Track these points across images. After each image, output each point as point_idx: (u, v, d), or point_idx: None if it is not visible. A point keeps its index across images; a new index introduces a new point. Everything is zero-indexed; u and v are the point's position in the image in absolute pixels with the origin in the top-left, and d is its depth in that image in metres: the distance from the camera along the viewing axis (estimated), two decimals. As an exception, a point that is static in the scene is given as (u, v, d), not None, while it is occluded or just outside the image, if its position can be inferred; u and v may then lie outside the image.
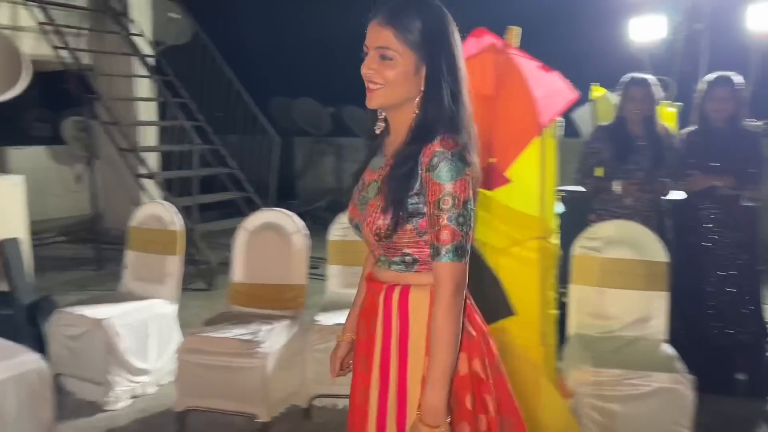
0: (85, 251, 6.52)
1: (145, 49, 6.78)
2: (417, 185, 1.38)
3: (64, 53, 5.99)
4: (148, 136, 6.90)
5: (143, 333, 3.29)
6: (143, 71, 6.68)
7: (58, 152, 7.99)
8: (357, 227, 1.49)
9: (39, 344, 3.32)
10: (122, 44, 6.58)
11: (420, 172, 1.37)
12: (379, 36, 1.38)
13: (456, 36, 1.43)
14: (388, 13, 1.38)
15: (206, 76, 7.17)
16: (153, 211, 3.65)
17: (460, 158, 1.35)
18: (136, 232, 3.65)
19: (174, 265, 3.49)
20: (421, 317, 1.42)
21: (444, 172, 1.34)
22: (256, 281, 3.33)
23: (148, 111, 6.92)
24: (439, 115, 1.38)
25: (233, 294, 3.33)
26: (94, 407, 3.16)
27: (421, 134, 1.38)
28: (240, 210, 6.53)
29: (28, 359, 2.60)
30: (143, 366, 3.27)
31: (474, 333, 1.46)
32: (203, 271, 5.46)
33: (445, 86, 1.39)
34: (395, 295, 1.45)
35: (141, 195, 6.21)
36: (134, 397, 3.26)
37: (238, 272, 3.35)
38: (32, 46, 5.80)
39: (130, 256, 3.64)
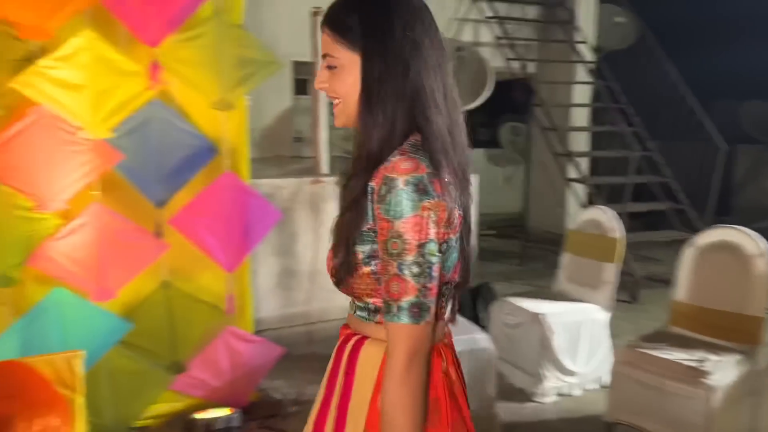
0: (511, 246, 7.04)
1: (587, 55, 6.89)
2: (371, 220, 1.08)
3: (514, 64, 6.54)
4: (580, 141, 7.02)
5: (575, 335, 3.35)
6: (584, 77, 6.81)
7: (493, 155, 8.85)
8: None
9: (477, 326, 3.72)
10: (566, 52, 6.83)
11: (371, 203, 1.07)
12: (323, 42, 1.14)
13: (415, 19, 1.10)
14: (328, 12, 1.13)
15: (648, 79, 6.89)
16: (593, 217, 3.67)
17: (416, 188, 1.03)
18: (575, 235, 3.72)
19: (610, 272, 3.45)
20: (367, 377, 1.13)
21: (392, 205, 1.03)
22: (702, 304, 3.03)
23: (581, 116, 7.04)
24: (380, 130, 1.08)
25: (675, 314, 3.10)
26: (523, 395, 3.36)
27: (365, 157, 1.09)
28: (669, 222, 6.11)
29: (479, 337, 2.91)
30: (572, 367, 3.33)
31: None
32: (627, 283, 5.29)
33: (389, 89, 1.08)
34: (348, 347, 1.19)
35: (568, 199, 6.37)
36: (560, 395, 3.35)
37: (682, 291, 3.10)
38: (489, 59, 6.49)
39: (567, 258, 3.74)
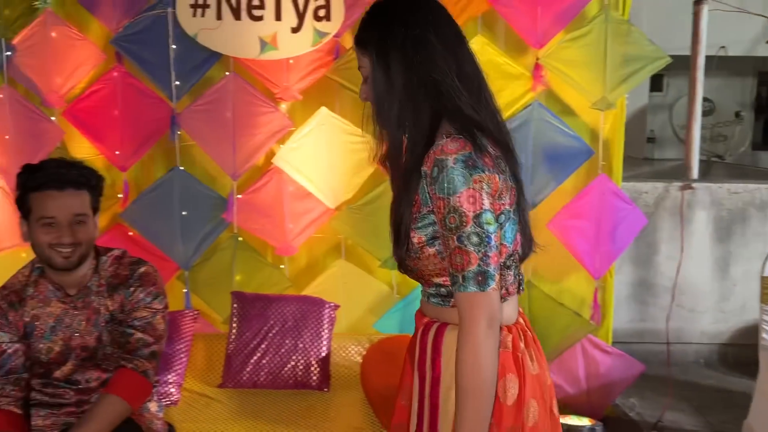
0: None
1: None
2: (429, 203, 1.13)
3: None
4: None
5: None
6: None
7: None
8: None
9: None
10: None
11: (426, 186, 1.12)
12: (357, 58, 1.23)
13: (417, 17, 1.15)
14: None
15: None
16: None
17: (465, 164, 1.08)
18: None
19: None
20: (452, 362, 1.11)
21: (446, 183, 1.08)
22: None
23: None
24: (402, 120, 1.15)
25: None
26: None
27: (398, 148, 1.17)
28: None
29: None
30: None
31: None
32: None
33: (398, 85, 1.14)
34: (430, 335, 1.21)
35: None
36: None
37: None
38: None
39: None
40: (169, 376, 2.17)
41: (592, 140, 2.81)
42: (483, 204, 1.08)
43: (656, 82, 5.80)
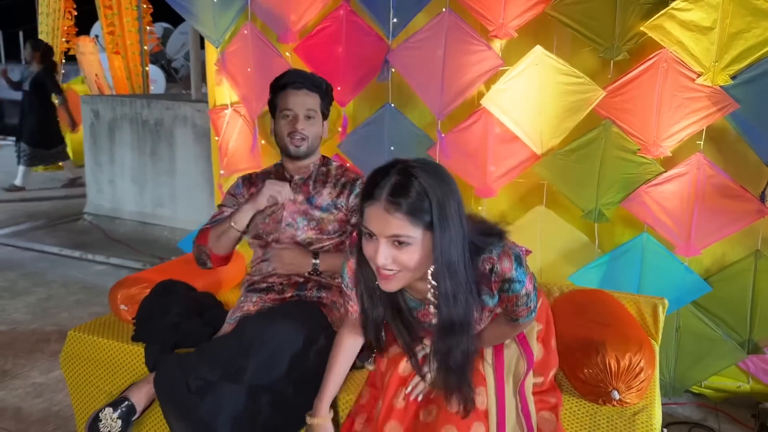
0: None
1: None
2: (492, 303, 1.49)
3: None
4: None
5: None
6: None
7: None
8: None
9: None
10: None
11: (487, 292, 1.46)
12: (392, 226, 1.33)
13: (459, 197, 1.39)
14: (398, 202, 1.31)
15: None
16: None
17: (519, 263, 1.42)
18: None
19: None
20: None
21: (517, 286, 1.43)
22: None
23: None
24: (464, 303, 1.39)
25: None
26: None
27: (452, 326, 1.41)
28: None
29: None
30: None
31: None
32: None
33: (457, 249, 1.35)
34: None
35: None
36: None
37: None
38: None
39: None
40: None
41: None
42: (532, 274, 1.53)
43: None
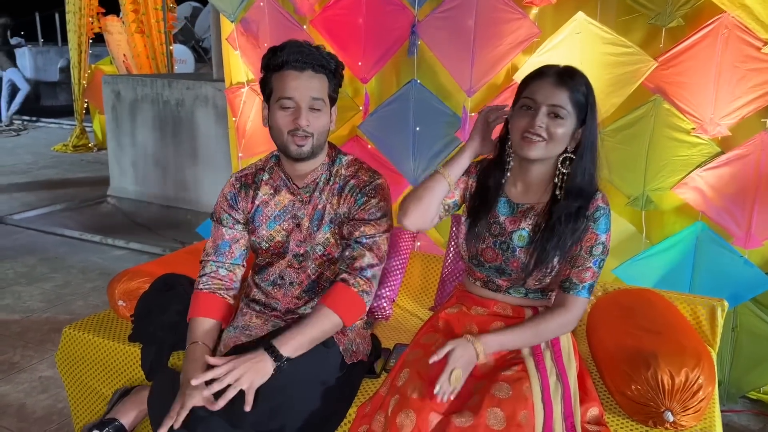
0: None
1: None
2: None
3: None
4: None
5: None
6: None
7: None
8: (499, 270, 1.59)
9: None
10: None
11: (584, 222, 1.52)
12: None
13: None
14: (569, 91, 1.49)
15: None
16: None
17: (610, 214, 1.53)
18: None
19: None
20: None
21: (603, 225, 1.51)
22: None
23: None
24: (591, 175, 1.53)
25: None
26: None
27: (580, 192, 1.52)
28: None
29: None
30: None
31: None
32: None
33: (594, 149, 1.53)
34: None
35: None
36: None
37: None
38: None
39: None
40: (383, 291, 2.12)
41: None
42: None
43: None
